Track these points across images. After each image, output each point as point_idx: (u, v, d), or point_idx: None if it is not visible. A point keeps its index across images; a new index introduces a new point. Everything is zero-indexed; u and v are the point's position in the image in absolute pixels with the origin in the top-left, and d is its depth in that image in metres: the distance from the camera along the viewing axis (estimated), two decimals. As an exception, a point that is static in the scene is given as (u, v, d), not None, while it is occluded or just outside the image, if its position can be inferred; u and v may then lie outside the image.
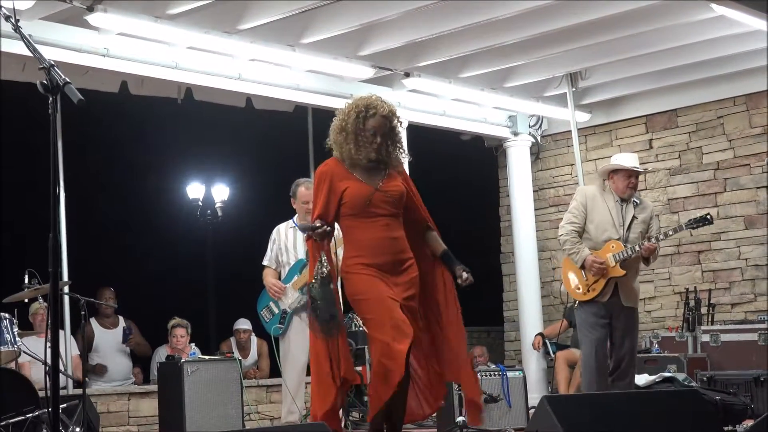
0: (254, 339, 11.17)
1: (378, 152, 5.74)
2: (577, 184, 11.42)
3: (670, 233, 8.14)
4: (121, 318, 10.76)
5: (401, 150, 5.91)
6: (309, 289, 5.84)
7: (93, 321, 10.47)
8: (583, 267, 7.74)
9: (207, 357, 8.97)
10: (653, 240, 7.71)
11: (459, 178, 14.59)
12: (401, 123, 5.96)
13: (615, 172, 7.95)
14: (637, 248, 7.65)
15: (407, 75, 10.37)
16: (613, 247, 7.71)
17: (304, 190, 8.13)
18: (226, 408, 8.46)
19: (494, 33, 9.57)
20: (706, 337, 10.28)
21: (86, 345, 10.07)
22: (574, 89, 11.31)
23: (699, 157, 11.63)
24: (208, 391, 8.41)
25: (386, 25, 9.36)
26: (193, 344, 10.14)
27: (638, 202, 7.94)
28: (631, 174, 7.88)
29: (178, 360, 8.57)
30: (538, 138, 12.65)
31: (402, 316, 5.52)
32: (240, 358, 9.98)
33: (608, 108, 12.22)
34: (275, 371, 8.52)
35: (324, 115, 11.44)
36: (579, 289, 7.84)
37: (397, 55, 10.00)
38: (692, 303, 10.91)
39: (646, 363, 10.10)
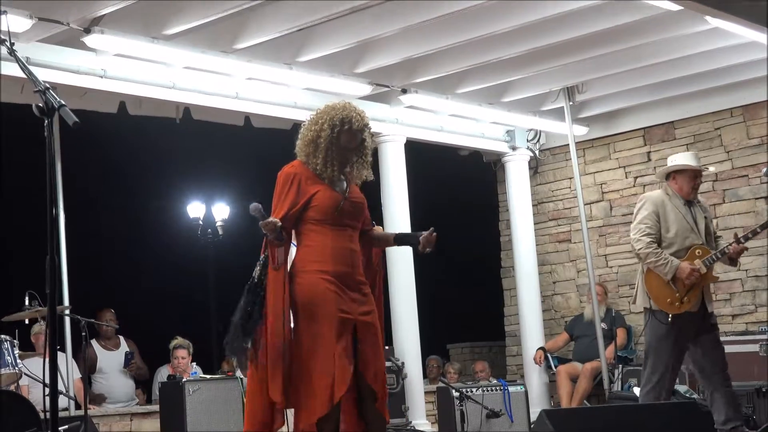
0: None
1: (344, 168, 5.60)
2: (576, 197, 11.42)
3: (750, 236, 7.46)
4: (122, 339, 10.74)
5: (367, 166, 5.71)
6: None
7: (94, 343, 10.41)
8: (675, 277, 7.25)
9: (208, 376, 8.99)
10: (742, 242, 7.33)
11: (458, 194, 14.60)
12: (372, 136, 5.76)
13: (678, 172, 7.53)
14: (726, 250, 7.31)
15: (404, 91, 10.39)
16: (699, 252, 7.31)
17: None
18: (228, 427, 8.46)
19: (491, 48, 9.60)
20: (707, 349, 10.27)
21: (88, 367, 10.12)
22: (571, 103, 11.32)
23: (697, 169, 11.62)
24: (210, 410, 8.42)
25: (383, 42, 9.39)
26: (194, 363, 10.16)
27: (699, 202, 7.60)
28: (697, 174, 7.50)
29: (180, 379, 8.58)
30: (537, 152, 12.67)
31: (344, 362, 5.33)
32: (242, 376, 9.97)
33: (606, 121, 12.24)
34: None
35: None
36: (673, 303, 7.30)
37: (393, 71, 10.03)
38: (693, 315, 10.89)
39: (648, 375, 10.10)
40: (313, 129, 5.59)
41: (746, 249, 7.45)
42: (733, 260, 7.46)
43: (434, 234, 5.59)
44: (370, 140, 5.70)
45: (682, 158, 7.66)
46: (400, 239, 5.84)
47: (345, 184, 5.61)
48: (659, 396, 7.22)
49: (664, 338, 7.31)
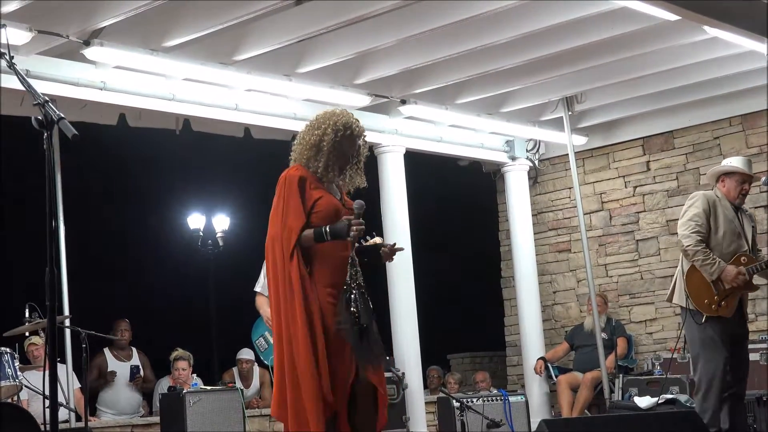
0: (256, 368, 11.15)
1: (341, 174, 5.59)
2: (576, 207, 11.43)
3: None
4: (135, 351, 10.77)
5: (361, 173, 5.70)
6: (346, 299, 5.42)
7: (107, 351, 10.52)
8: (719, 279, 7.15)
9: (209, 387, 8.98)
10: None
11: (458, 204, 14.62)
12: (366, 144, 5.76)
13: (728, 175, 7.44)
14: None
15: (404, 102, 10.41)
16: (743, 260, 7.19)
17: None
18: (228, 438, 8.46)
19: (490, 59, 9.62)
20: (708, 358, 10.26)
21: (93, 374, 10.18)
22: (570, 113, 11.33)
23: (696, 178, 11.65)
24: (210, 421, 8.41)
25: (382, 53, 9.41)
26: (194, 375, 10.16)
27: (746, 210, 7.51)
28: (746, 179, 7.40)
29: (180, 391, 8.58)
30: (536, 162, 12.69)
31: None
32: (242, 387, 9.98)
33: (605, 131, 12.26)
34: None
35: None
36: (711, 304, 7.21)
37: (393, 82, 10.05)
38: (693, 324, 10.89)
39: (649, 385, 10.12)
40: (315, 133, 5.57)
41: None
42: None
43: (396, 247, 5.64)
44: (365, 148, 5.74)
45: (735, 161, 7.55)
46: (360, 251, 5.64)
47: (338, 192, 5.64)
48: (717, 400, 7.13)
49: (709, 339, 7.22)
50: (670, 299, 7.62)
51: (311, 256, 5.42)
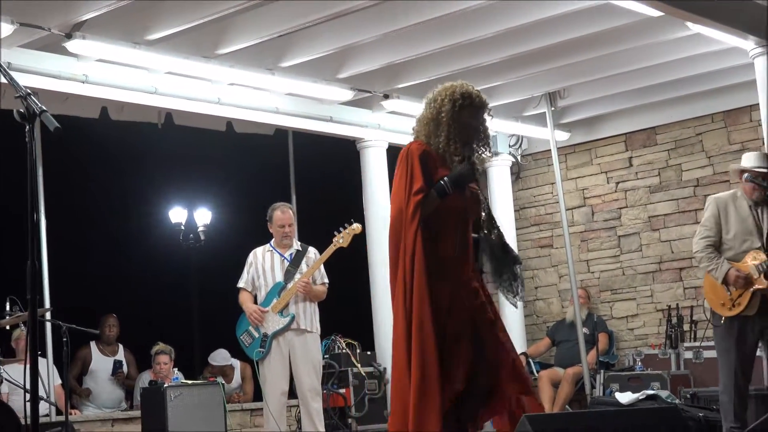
0: (237, 363, 11.13)
1: (467, 149, 5.28)
2: (558, 202, 11.44)
3: None
4: (121, 347, 10.76)
5: (487, 149, 5.43)
6: (486, 235, 5.29)
7: (93, 345, 10.56)
8: (725, 282, 7.16)
9: (190, 382, 8.96)
10: None
11: (441, 199, 14.58)
12: (491, 117, 5.47)
13: (742, 173, 7.37)
14: None
15: (386, 97, 10.41)
16: (754, 256, 7.14)
17: (279, 214, 8.28)
18: (209, 432, 8.45)
19: (472, 54, 9.62)
20: (688, 354, 10.31)
21: (76, 366, 10.17)
22: (553, 108, 11.34)
23: (678, 175, 11.69)
24: (191, 415, 8.40)
25: (365, 48, 9.40)
26: (176, 369, 10.14)
27: None
28: (757, 175, 7.26)
29: (161, 385, 8.56)
30: (519, 157, 12.70)
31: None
32: (224, 382, 9.97)
33: (587, 127, 12.28)
34: (260, 395, 8.52)
35: (304, 138, 11.53)
36: (725, 305, 7.22)
37: (375, 77, 10.05)
38: (674, 320, 10.94)
39: (630, 381, 10.14)
40: (433, 106, 5.31)
41: None
42: None
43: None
44: (490, 124, 5.46)
45: (747, 158, 7.47)
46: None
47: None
48: (730, 398, 7.16)
49: (722, 339, 7.27)
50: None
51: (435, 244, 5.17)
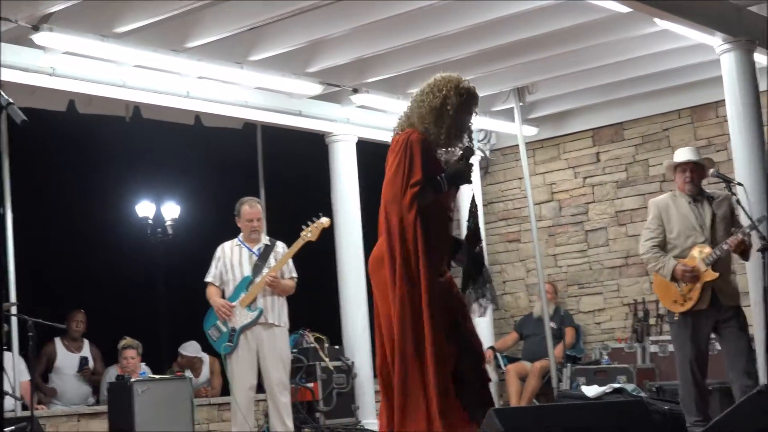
0: (206, 357, 11.10)
1: (467, 150, 5.34)
2: (526, 197, 11.47)
3: (747, 231, 7.29)
4: (87, 343, 10.69)
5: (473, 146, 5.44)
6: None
7: (58, 341, 10.45)
8: (674, 279, 7.36)
9: (157, 376, 8.94)
10: (738, 234, 7.24)
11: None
12: (477, 114, 5.51)
13: (673, 170, 7.61)
14: (724, 246, 7.25)
15: (355, 91, 10.40)
16: (699, 251, 7.33)
17: (247, 208, 8.28)
18: (177, 427, 8.43)
19: (441, 49, 9.63)
20: (654, 348, 10.39)
21: (42, 363, 10.09)
22: (521, 104, 11.36)
23: (645, 170, 11.75)
24: (158, 410, 8.38)
25: (334, 42, 9.39)
26: (143, 364, 10.10)
27: (713, 197, 7.52)
28: (685, 168, 7.50)
29: (128, 379, 8.53)
30: (487, 152, 12.73)
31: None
32: (192, 376, 9.94)
33: (555, 122, 12.33)
34: (228, 389, 8.52)
35: (273, 132, 11.51)
36: (677, 301, 7.40)
37: (345, 71, 10.04)
38: (641, 314, 11.02)
39: (596, 374, 10.20)
40: (438, 95, 5.30)
41: (746, 240, 7.30)
42: (744, 254, 7.41)
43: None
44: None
45: (679, 153, 7.68)
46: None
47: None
48: (684, 390, 7.42)
49: (677, 336, 7.49)
50: None
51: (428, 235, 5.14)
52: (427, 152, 5.20)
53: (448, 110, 5.24)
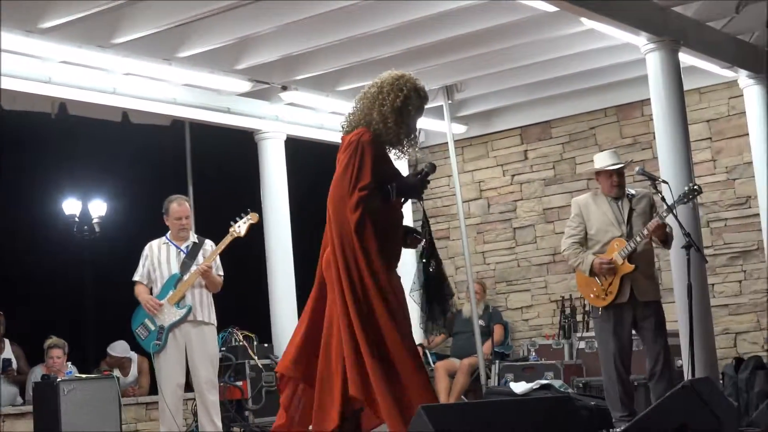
0: (135, 356, 11.00)
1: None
2: (455, 195, 11.51)
3: (664, 215, 7.42)
4: (8, 343, 10.52)
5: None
6: (425, 264, 5.30)
7: None
8: (593, 273, 7.50)
9: (84, 376, 8.84)
10: (656, 218, 7.38)
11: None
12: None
13: (597, 174, 7.77)
14: (638, 238, 7.39)
15: (284, 88, 10.38)
16: (617, 245, 7.48)
17: (176, 206, 8.22)
18: (104, 427, 8.34)
19: (370, 46, 9.64)
20: (581, 344, 10.49)
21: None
22: (450, 102, 11.38)
23: (572, 168, 11.87)
24: (85, 410, 8.29)
25: (262, 39, 9.36)
26: (69, 363, 9.98)
27: (634, 194, 7.68)
28: (612, 173, 7.64)
29: (54, 379, 8.43)
30: (416, 150, 12.73)
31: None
32: (119, 375, 9.85)
33: (484, 120, 12.40)
34: (155, 389, 8.45)
35: (201, 130, 11.44)
36: (599, 296, 7.54)
37: (273, 68, 10.00)
38: (568, 311, 11.12)
39: (524, 371, 10.28)
40: (400, 95, 5.19)
41: (666, 226, 7.48)
42: (665, 242, 7.57)
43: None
44: None
45: (597, 159, 7.86)
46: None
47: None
48: (609, 385, 7.55)
49: (600, 331, 7.65)
50: None
51: (379, 227, 5.14)
52: (378, 154, 5.15)
53: (410, 110, 5.20)
